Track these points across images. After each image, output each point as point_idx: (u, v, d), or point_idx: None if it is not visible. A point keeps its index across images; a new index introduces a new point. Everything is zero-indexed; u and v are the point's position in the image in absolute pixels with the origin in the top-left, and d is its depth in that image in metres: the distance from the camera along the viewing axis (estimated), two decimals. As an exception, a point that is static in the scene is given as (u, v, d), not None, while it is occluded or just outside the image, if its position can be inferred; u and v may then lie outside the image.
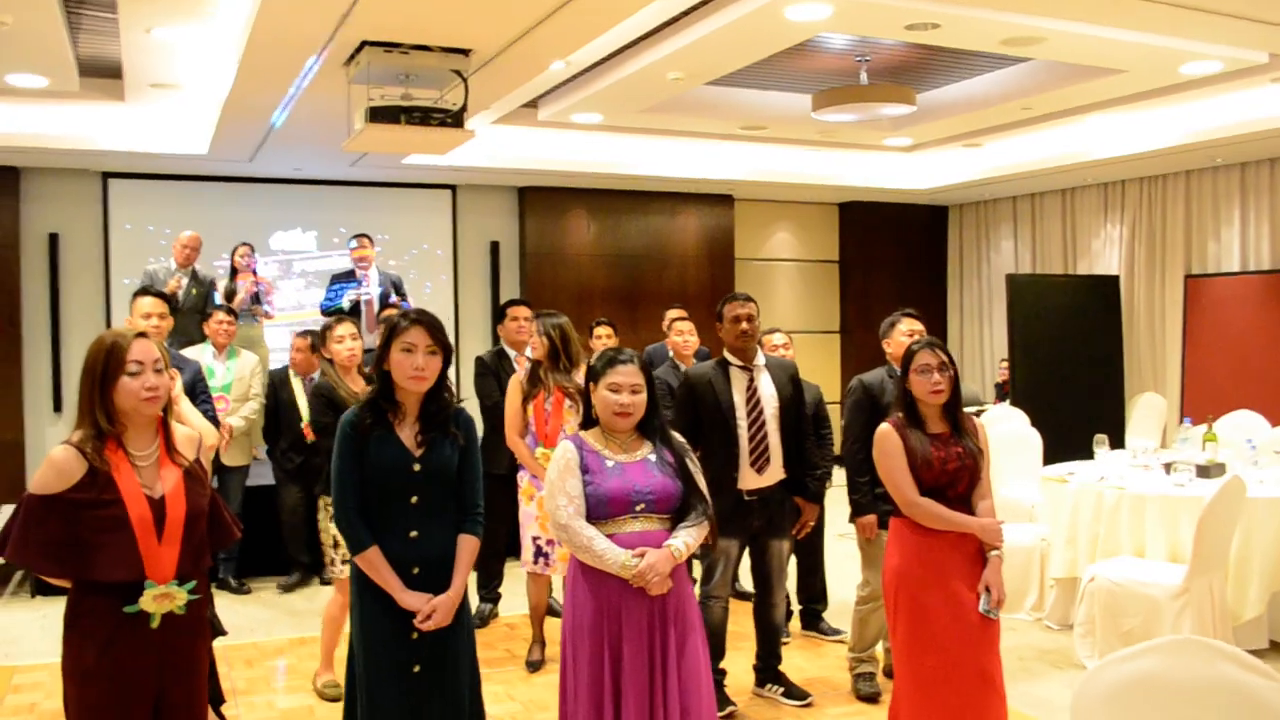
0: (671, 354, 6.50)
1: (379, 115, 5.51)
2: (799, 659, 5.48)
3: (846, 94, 7.55)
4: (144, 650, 2.72)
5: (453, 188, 10.79)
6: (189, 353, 6.47)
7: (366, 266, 8.05)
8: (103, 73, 7.48)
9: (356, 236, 8.18)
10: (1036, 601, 6.23)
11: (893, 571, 3.71)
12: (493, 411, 5.76)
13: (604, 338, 6.76)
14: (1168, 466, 6.02)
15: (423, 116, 5.54)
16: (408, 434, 3.16)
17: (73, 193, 9.54)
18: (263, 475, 7.20)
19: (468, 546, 3.22)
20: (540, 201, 11.03)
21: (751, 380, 4.69)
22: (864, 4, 5.63)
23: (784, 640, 5.57)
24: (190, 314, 7.58)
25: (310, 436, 6.05)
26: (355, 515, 3.13)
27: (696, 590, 4.62)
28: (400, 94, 5.66)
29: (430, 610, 3.10)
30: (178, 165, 9.28)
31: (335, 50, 5.57)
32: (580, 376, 4.82)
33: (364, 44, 5.42)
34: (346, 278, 8.04)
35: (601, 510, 3.22)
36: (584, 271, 11.20)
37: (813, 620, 5.92)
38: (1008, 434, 7.73)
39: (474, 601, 6.15)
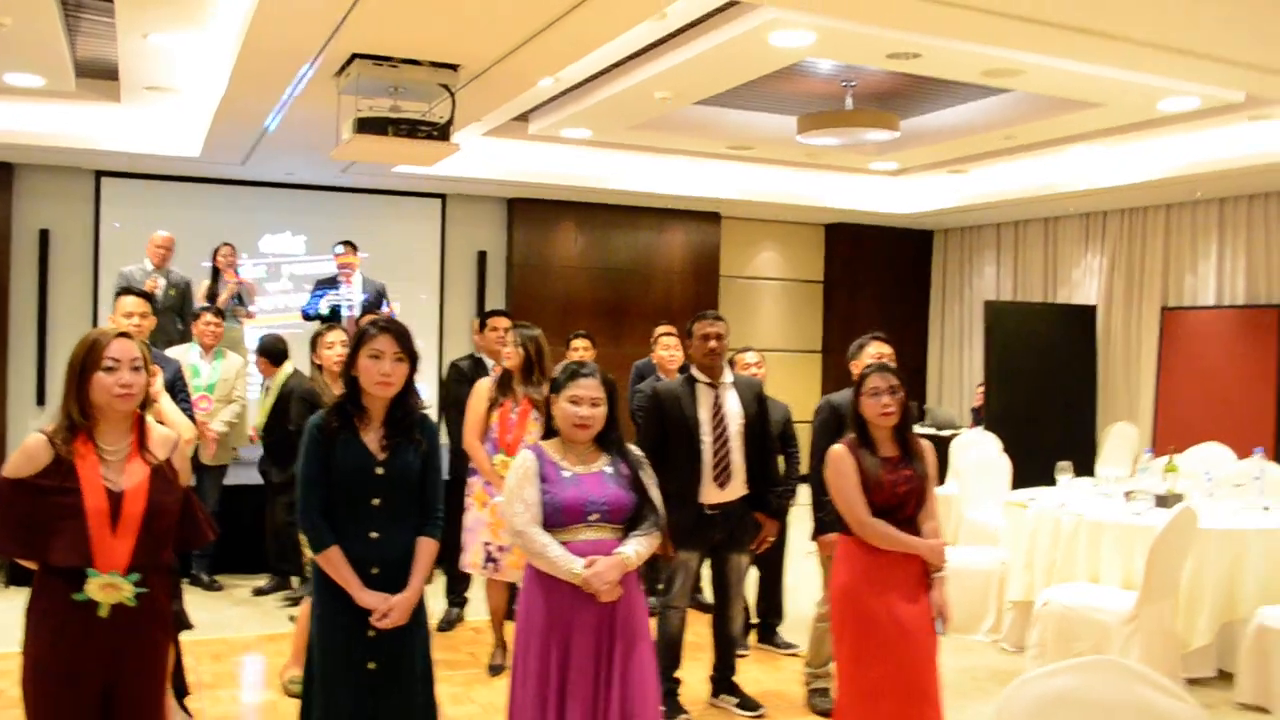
0: (658, 368, 6.69)
1: (366, 126, 5.64)
2: (755, 671, 5.59)
3: (831, 118, 7.70)
4: (92, 639, 2.82)
5: (442, 197, 10.92)
6: (171, 353, 6.56)
7: (350, 273, 8.15)
8: (99, 74, 7.60)
9: (342, 243, 8.29)
10: (994, 624, 6.35)
11: (840, 588, 3.84)
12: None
13: (580, 350, 6.87)
14: (1128, 495, 6.15)
15: (410, 129, 5.67)
16: (373, 438, 3.27)
17: (65, 190, 9.65)
18: (242, 476, 7.28)
19: (426, 549, 3.32)
20: (529, 213, 11.16)
21: (717, 397, 4.81)
22: (846, 33, 5.77)
23: (742, 653, 5.69)
24: (167, 313, 7.66)
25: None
26: (318, 515, 3.23)
27: (654, 600, 4.74)
28: (389, 106, 5.79)
29: (387, 609, 3.20)
30: (170, 166, 9.41)
31: (327, 61, 5.70)
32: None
33: (354, 56, 5.55)
34: (329, 283, 8.14)
35: (557, 518, 3.33)
36: (570, 284, 11.33)
37: (768, 634, 6.04)
38: (978, 458, 7.87)
39: (441, 605, 6.28)
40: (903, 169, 10.43)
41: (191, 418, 4.92)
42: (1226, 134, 8.15)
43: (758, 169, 10.46)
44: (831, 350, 12.66)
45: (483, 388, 5.32)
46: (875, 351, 4.93)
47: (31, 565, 2.90)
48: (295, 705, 4.77)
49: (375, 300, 8.15)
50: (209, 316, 7.01)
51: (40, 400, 9.55)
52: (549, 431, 3.52)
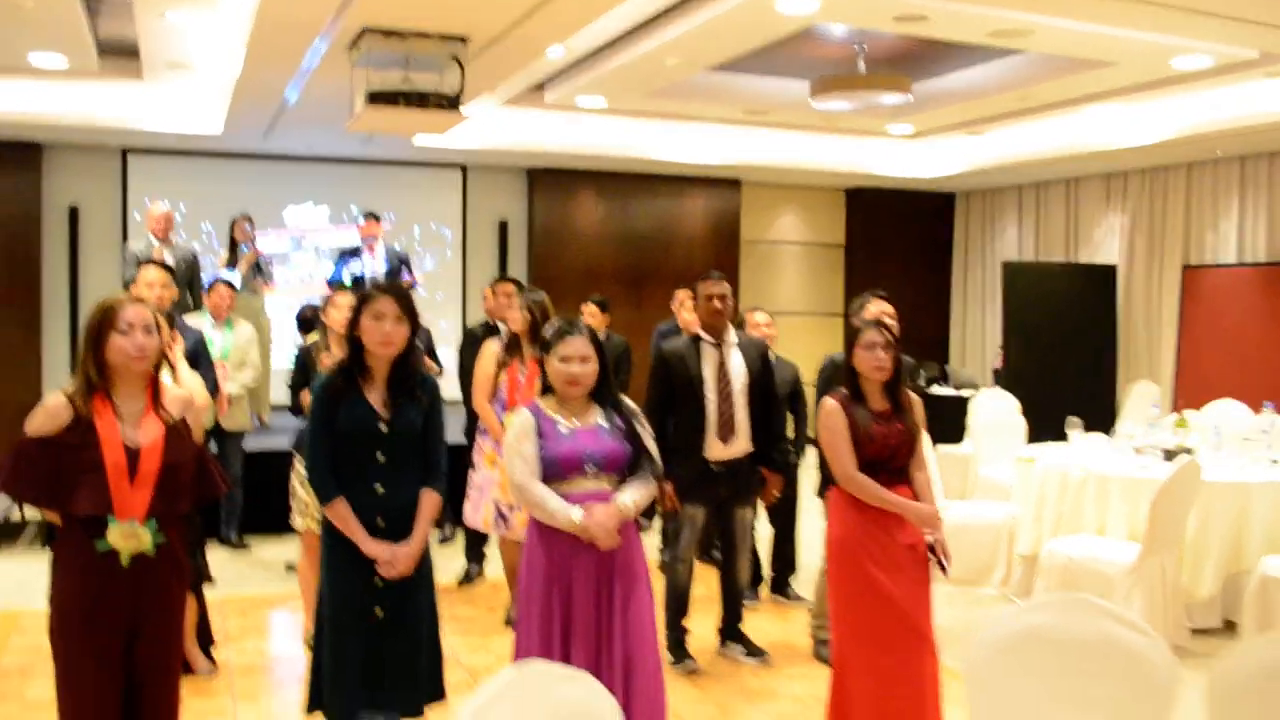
0: (684, 330, 6.85)
1: (378, 98, 5.77)
2: (765, 622, 5.73)
3: (843, 82, 7.72)
4: (115, 587, 2.99)
5: (463, 167, 11.05)
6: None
7: (373, 243, 8.33)
8: (122, 53, 7.74)
9: (365, 214, 8.46)
10: (1004, 576, 6.45)
11: (834, 539, 3.95)
12: None
13: (589, 315, 7.03)
14: (1137, 450, 6.22)
15: (420, 100, 5.79)
16: (376, 397, 3.41)
17: (93, 168, 9.87)
18: (267, 442, 7.49)
19: (429, 501, 3.47)
20: (549, 182, 11.28)
21: (722, 356, 4.93)
22: (851, -3, 5.82)
23: (752, 604, 5.85)
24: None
25: None
26: (326, 470, 3.39)
27: (652, 548, 4.86)
28: (400, 78, 5.91)
29: (392, 559, 3.36)
30: (194, 143, 9.59)
31: (340, 35, 5.83)
32: None
33: (365, 30, 5.67)
34: (352, 253, 8.32)
35: (555, 471, 3.45)
36: (591, 251, 11.45)
37: (781, 586, 6.18)
38: (993, 416, 7.95)
39: (462, 563, 6.47)
40: (919, 132, 10.42)
41: (215, 384, 5.11)
42: (1242, 91, 8.08)
43: (776, 134, 10.48)
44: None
45: (489, 349, 5.46)
46: (876, 309, 5.01)
47: (54, 518, 3.07)
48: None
49: (396, 269, 8.32)
50: (222, 288, 7.17)
51: (74, 370, 9.78)
52: (545, 389, 3.65)
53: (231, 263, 8.39)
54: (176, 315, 5.33)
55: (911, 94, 7.75)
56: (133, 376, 3.07)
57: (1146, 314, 10.71)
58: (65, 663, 3.03)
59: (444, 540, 7.34)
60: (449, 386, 7.42)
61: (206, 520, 6.10)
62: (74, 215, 9.81)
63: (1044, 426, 7.71)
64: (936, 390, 11.32)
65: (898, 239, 12.87)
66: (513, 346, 5.37)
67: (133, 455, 2.99)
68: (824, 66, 8.27)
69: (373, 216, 8.44)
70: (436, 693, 3.53)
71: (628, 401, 3.66)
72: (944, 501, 6.50)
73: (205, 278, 8.26)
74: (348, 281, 8.11)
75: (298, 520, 4.97)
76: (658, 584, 4.95)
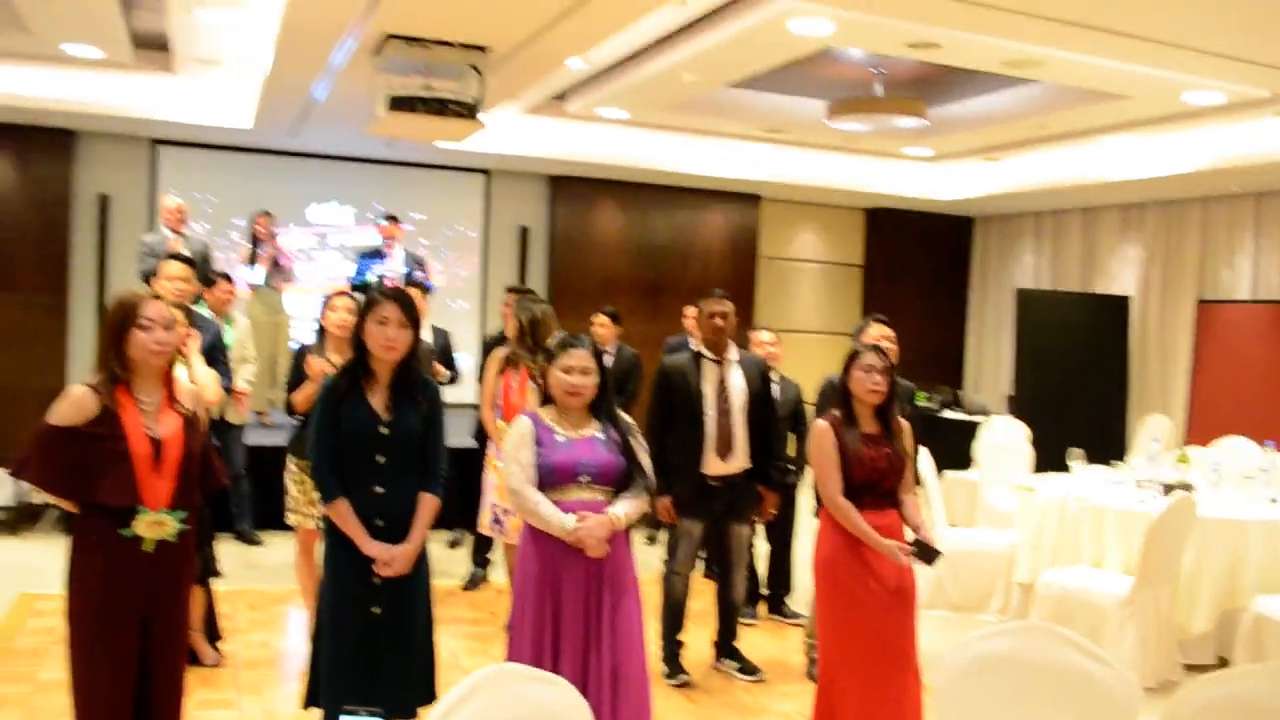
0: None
1: (398, 104, 5.90)
2: (762, 639, 5.81)
3: (859, 104, 7.81)
4: (135, 572, 3.11)
5: (486, 172, 11.17)
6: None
7: (393, 245, 8.47)
8: (154, 46, 7.90)
9: (386, 216, 8.60)
10: (1003, 604, 6.50)
11: (821, 560, 4.03)
12: None
13: (598, 325, 7.13)
14: (1139, 484, 6.26)
15: (438, 107, 5.91)
16: (379, 400, 3.51)
17: (124, 157, 10.02)
18: (280, 438, 7.59)
19: (427, 504, 3.56)
20: (570, 191, 11.39)
21: (722, 373, 5.01)
22: (864, 23, 5.89)
23: (751, 622, 5.93)
24: None
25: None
26: (328, 470, 3.49)
27: (659, 561, 4.91)
28: (421, 84, 6.02)
29: (389, 559, 3.45)
30: (223, 137, 9.73)
31: (365, 41, 5.96)
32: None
33: (388, 37, 5.79)
34: (373, 255, 8.47)
35: (550, 479, 3.55)
36: (609, 261, 11.55)
37: (777, 605, 6.25)
38: (997, 443, 7.99)
39: (468, 567, 6.58)
40: (938, 155, 10.49)
41: (229, 378, 5.23)
42: (1256, 128, 8.12)
43: (796, 152, 10.56)
44: (868, 334, 12.74)
45: (495, 357, 5.57)
46: (877, 333, 5.09)
47: (70, 506, 3.17)
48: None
49: (415, 270, 8.46)
50: (224, 284, 7.25)
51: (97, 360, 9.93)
52: (545, 399, 3.75)
53: (252, 259, 8.53)
54: (195, 310, 5.45)
55: (927, 119, 7.82)
56: (152, 370, 3.19)
57: (1160, 347, 10.71)
58: (81, 645, 3.13)
59: (454, 544, 7.44)
60: (463, 392, 7.55)
61: (217, 514, 6.22)
62: (104, 203, 9.97)
63: (1053, 456, 7.74)
64: (948, 415, 11.36)
65: (916, 261, 12.92)
66: (513, 354, 5.46)
67: (156, 446, 3.11)
68: (843, 87, 8.36)
69: (393, 219, 8.58)
70: (429, 695, 3.61)
71: (624, 416, 3.75)
72: (945, 527, 6.58)
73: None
74: (372, 282, 8.24)
75: (291, 517, 5.08)
76: (655, 596, 5.08)
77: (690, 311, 7.47)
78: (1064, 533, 6.09)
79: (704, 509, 5.01)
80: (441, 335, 7.00)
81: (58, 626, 5.26)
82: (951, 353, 13.11)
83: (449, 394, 7.22)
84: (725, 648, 5.30)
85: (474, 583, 6.54)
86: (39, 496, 7.20)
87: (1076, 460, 6.72)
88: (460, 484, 7.16)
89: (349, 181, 10.69)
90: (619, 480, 3.63)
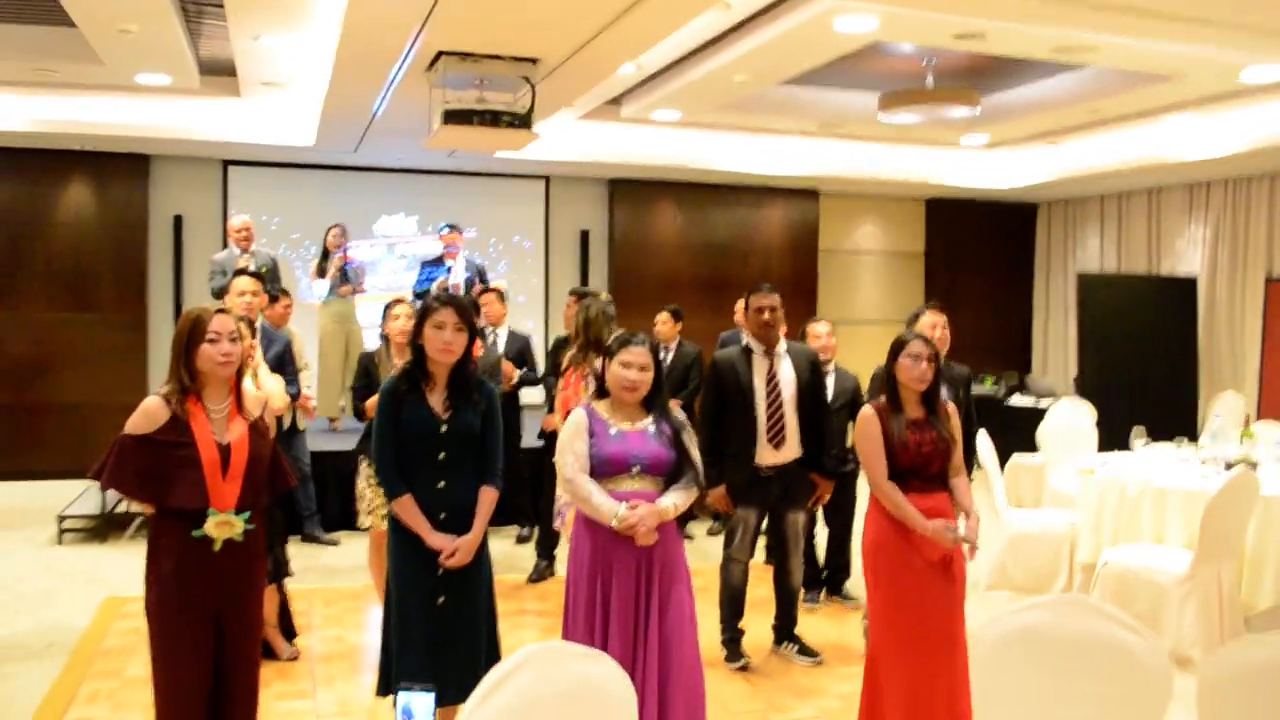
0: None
1: (453, 117, 6.10)
2: (823, 623, 5.92)
3: (910, 96, 7.83)
4: (207, 569, 3.32)
5: (546, 178, 11.39)
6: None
7: (454, 254, 8.70)
8: (221, 71, 8.22)
9: (447, 225, 8.84)
10: (1065, 584, 6.51)
11: (871, 542, 4.12)
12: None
13: (660, 324, 7.30)
14: (1203, 461, 6.24)
15: (492, 118, 6.11)
16: (437, 400, 3.69)
17: (196, 179, 10.42)
18: (349, 442, 7.84)
19: (487, 497, 3.74)
20: (629, 193, 11.56)
21: (772, 365, 5.13)
22: (908, 17, 5.96)
23: (814, 606, 6.04)
24: None
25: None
26: (392, 468, 3.68)
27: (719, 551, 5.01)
28: (475, 98, 6.23)
29: (453, 550, 3.63)
30: (289, 155, 10.08)
31: (418, 59, 6.18)
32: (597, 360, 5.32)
33: (440, 54, 6.00)
34: (436, 263, 8.70)
35: (603, 469, 3.69)
36: (669, 260, 11.70)
37: (837, 588, 6.36)
38: (1062, 426, 7.98)
39: (533, 559, 6.77)
40: (995, 142, 10.47)
41: (297, 388, 5.46)
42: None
43: (853, 145, 10.61)
44: (933, 323, 12.73)
45: (564, 359, 5.76)
46: (930, 321, 5.16)
47: (147, 509, 3.40)
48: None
49: (475, 279, 8.67)
50: (284, 299, 7.43)
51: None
52: (601, 392, 3.89)
53: (322, 270, 8.82)
54: (264, 326, 5.70)
55: (979, 107, 7.83)
56: (219, 380, 3.40)
57: (1230, 326, 10.59)
58: (161, 639, 3.36)
59: (521, 540, 7.64)
60: (535, 393, 7.74)
61: (289, 517, 6.46)
62: (178, 224, 10.36)
63: (1122, 438, 7.70)
64: (1016, 401, 11.33)
65: (978, 248, 12.89)
66: (574, 356, 5.64)
67: (224, 452, 3.32)
68: (894, 80, 8.40)
69: (454, 228, 8.81)
70: None
71: (677, 412, 3.88)
72: (1006, 509, 6.61)
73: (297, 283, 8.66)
74: (434, 291, 8.46)
75: (365, 519, 5.27)
76: (713, 584, 5.21)
77: (739, 306, 7.56)
78: (1124, 512, 6.08)
79: (758, 497, 5.13)
80: (521, 339, 7.21)
81: (141, 626, 5.58)
82: (1018, 337, 13.06)
83: (525, 395, 7.50)
84: (785, 632, 5.40)
85: (539, 575, 6.72)
86: (124, 505, 7.60)
87: (1139, 439, 6.69)
88: (532, 482, 7.38)
89: (413, 193, 10.98)
90: (669, 472, 3.76)
